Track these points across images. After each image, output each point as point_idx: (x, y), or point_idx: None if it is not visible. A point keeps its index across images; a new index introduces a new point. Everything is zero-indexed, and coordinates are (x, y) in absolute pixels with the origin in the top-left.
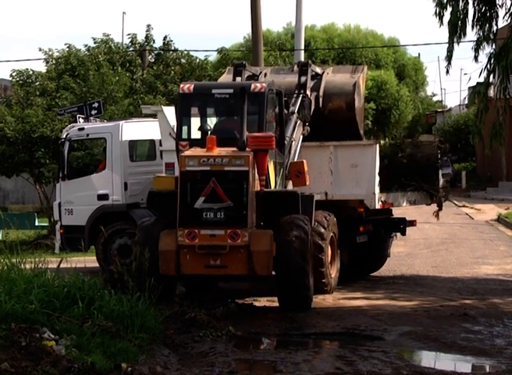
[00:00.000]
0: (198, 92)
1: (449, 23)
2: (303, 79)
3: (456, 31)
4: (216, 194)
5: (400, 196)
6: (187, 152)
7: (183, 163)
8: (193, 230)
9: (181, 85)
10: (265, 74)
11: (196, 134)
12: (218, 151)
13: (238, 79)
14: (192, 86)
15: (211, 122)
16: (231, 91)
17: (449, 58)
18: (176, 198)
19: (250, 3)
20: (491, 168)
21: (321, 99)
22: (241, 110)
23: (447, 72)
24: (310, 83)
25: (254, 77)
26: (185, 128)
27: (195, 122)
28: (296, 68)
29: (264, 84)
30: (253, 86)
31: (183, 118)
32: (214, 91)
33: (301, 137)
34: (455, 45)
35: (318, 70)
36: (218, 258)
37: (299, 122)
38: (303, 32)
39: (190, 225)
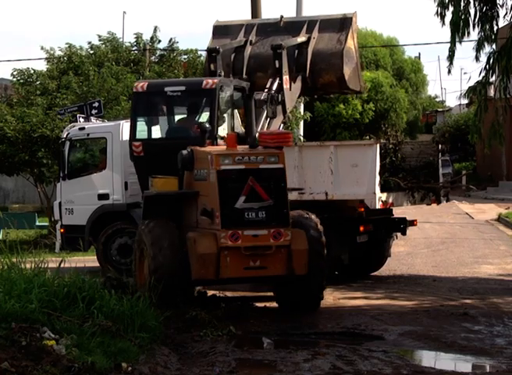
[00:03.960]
0: (151, 91)
1: (451, 22)
2: (277, 63)
3: (457, 31)
4: (256, 193)
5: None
6: (220, 150)
7: (217, 162)
8: (237, 231)
9: (135, 84)
10: (251, 42)
11: (156, 134)
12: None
13: (211, 66)
14: (145, 84)
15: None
16: (183, 88)
17: (450, 58)
18: (179, 200)
19: (251, 3)
20: (491, 167)
21: (309, 79)
22: (248, 108)
23: (449, 72)
24: (286, 67)
25: (240, 49)
26: (139, 128)
27: (144, 121)
28: (282, 24)
29: (215, 80)
30: (204, 82)
31: (136, 117)
32: (166, 89)
33: (282, 125)
34: (457, 45)
35: (303, 39)
36: (259, 259)
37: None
38: None
39: (233, 226)
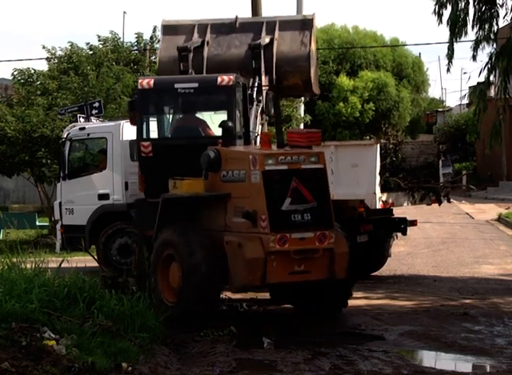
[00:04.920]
0: (159, 87)
1: (449, 21)
2: (255, 63)
3: (456, 30)
4: (301, 195)
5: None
6: (262, 151)
7: (261, 162)
8: (285, 234)
9: (139, 80)
10: (208, 42)
11: (165, 133)
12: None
13: (185, 65)
14: (151, 81)
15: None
16: (196, 85)
17: (449, 57)
18: (201, 203)
19: (251, 2)
20: (491, 168)
21: (275, 81)
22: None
23: (448, 70)
24: (263, 67)
25: (198, 50)
26: (147, 127)
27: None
28: (238, 25)
29: (231, 77)
30: (219, 79)
31: (144, 116)
32: (177, 86)
33: (261, 127)
34: (456, 44)
35: (267, 40)
36: (303, 263)
37: (259, 111)
38: None
39: (280, 229)
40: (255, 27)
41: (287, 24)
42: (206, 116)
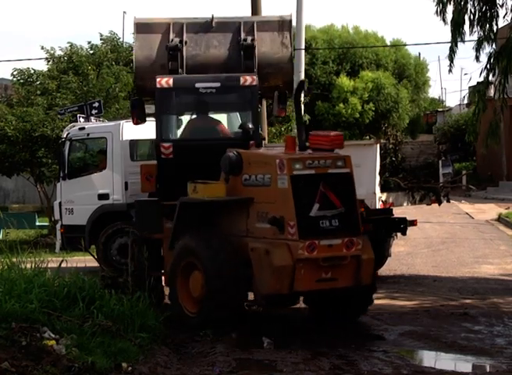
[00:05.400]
0: (179, 87)
1: (452, 21)
2: (249, 64)
3: (457, 30)
4: (329, 200)
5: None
6: (289, 154)
7: (289, 167)
8: (314, 241)
9: (157, 79)
10: (185, 42)
11: (184, 134)
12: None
13: (174, 64)
14: (171, 80)
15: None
16: (218, 84)
17: (451, 57)
18: (222, 208)
19: (251, 2)
20: (491, 168)
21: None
22: (297, 107)
23: (450, 71)
24: (256, 68)
25: (175, 50)
26: (167, 128)
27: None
28: (214, 24)
29: (254, 77)
30: (242, 79)
31: (163, 116)
32: (198, 85)
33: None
34: (458, 44)
35: (249, 41)
36: (330, 270)
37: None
38: (303, 32)
39: (309, 236)
40: (232, 27)
41: (265, 25)
42: (217, 117)
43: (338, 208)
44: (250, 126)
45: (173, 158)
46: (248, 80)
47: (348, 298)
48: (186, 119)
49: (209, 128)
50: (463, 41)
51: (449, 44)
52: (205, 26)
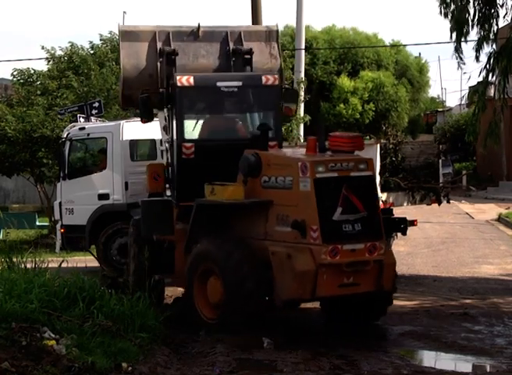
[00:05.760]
0: (200, 85)
1: (452, 19)
2: (248, 69)
3: (459, 30)
4: (351, 204)
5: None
6: (313, 157)
7: (312, 170)
8: (337, 245)
9: (178, 77)
10: (176, 52)
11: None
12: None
13: (170, 69)
14: (191, 78)
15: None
16: (240, 83)
17: (456, 50)
18: (240, 210)
19: (251, 3)
20: (491, 168)
21: None
22: (317, 106)
23: (459, 67)
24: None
25: (172, 55)
26: (188, 127)
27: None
28: (201, 33)
29: (276, 76)
30: (264, 78)
31: (184, 115)
32: (219, 84)
33: None
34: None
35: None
36: (352, 275)
37: None
38: (303, 32)
39: (332, 240)
40: (219, 37)
41: (252, 35)
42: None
43: (361, 212)
44: (270, 126)
45: (194, 159)
46: (270, 79)
47: (368, 301)
48: (204, 118)
49: (230, 128)
50: (465, 40)
51: (454, 42)
52: (191, 35)
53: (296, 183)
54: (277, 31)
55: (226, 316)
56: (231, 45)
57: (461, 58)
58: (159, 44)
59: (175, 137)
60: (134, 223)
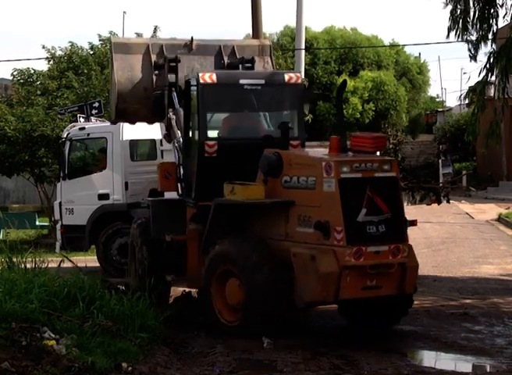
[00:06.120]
0: (223, 82)
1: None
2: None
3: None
4: (376, 205)
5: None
6: (337, 157)
7: (336, 170)
8: (361, 247)
9: (200, 74)
10: (177, 60)
11: (225, 133)
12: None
13: (172, 76)
14: (214, 75)
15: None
16: (262, 81)
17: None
18: (260, 210)
19: (251, 3)
20: (491, 168)
21: None
22: (339, 107)
23: (473, 59)
24: None
25: (174, 61)
26: (209, 125)
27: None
28: (194, 46)
29: (299, 74)
30: (287, 77)
31: (206, 113)
32: (242, 82)
33: None
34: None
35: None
36: (375, 278)
37: None
38: (303, 32)
39: (356, 242)
40: (212, 50)
41: (245, 49)
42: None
43: (385, 214)
44: (290, 125)
45: (216, 157)
46: (293, 77)
47: (389, 303)
48: (226, 115)
49: (253, 126)
50: (465, 40)
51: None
52: (185, 48)
53: (319, 183)
54: (270, 46)
55: (246, 319)
56: (225, 59)
57: (475, 54)
58: (153, 57)
59: (196, 135)
60: (141, 223)
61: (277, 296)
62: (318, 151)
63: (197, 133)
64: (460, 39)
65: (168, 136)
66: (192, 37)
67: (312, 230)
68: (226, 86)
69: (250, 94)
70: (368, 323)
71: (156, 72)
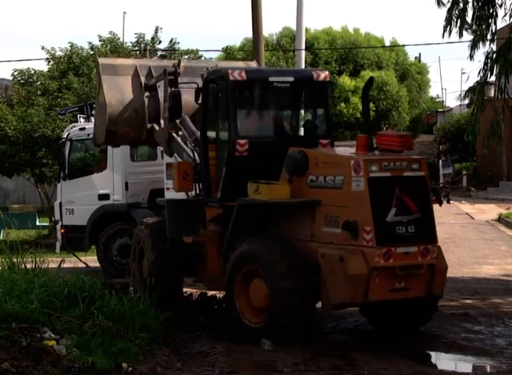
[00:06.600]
0: (253, 79)
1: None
2: None
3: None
4: (405, 205)
5: None
6: (365, 156)
7: (365, 169)
8: (390, 248)
9: (229, 71)
10: (158, 85)
11: (257, 131)
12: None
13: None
14: (243, 72)
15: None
16: (291, 79)
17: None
18: (285, 210)
19: (251, 4)
20: (491, 168)
21: None
22: (365, 105)
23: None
24: None
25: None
26: (242, 123)
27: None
28: (182, 68)
29: (326, 72)
30: (315, 74)
31: (237, 111)
32: (272, 79)
33: None
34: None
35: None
36: (404, 280)
37: None
38: (303, 33)
39: (386, 243)
40: (199, 72)
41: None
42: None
43: (414, 214)
44: (315, 123)
45: (246, 156)
46: (321, 75)
47: (415, 306)
48: (257, 114)
49: (281, 125)
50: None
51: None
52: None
53: (347, 182)
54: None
55: (273, 321)
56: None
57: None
58: (143, 79)
59: (223, 133)
60: (153, 225)
61: (305, 300)
62: (344, 149)
63: (225, 131)
64: (459, 38)
65: (170, 149)
66: (179, 60)
67: (340, 230)
68: (256, 83)
69: (279, 91)
70: (393, 325)
71: (147, 93)
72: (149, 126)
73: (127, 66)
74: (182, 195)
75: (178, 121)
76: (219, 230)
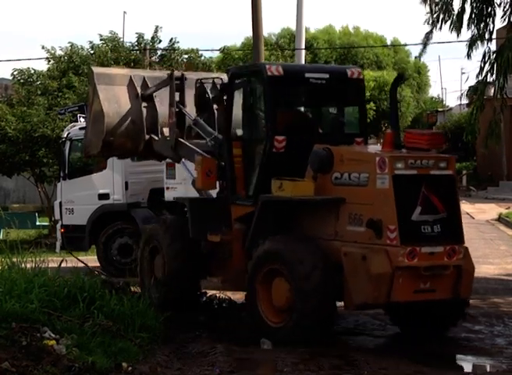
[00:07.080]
0: (290, 75)
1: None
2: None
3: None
4: (431, 204)
5: None
6: (391, 153)
7: (390, 166)
8: (415, 247)
9: (266, 66)
10: (155, 96)
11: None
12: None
13: (176, 94)
14: (280, 67)
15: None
16: (327, 75)
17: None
18: (309, 208)
19: (251, 4)
20: (491, 167)
21: None
22: (393, 102)
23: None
24: None
25: (149, 104)
26: (278, 119)
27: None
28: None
29: (359, 70)
30: (349, 72)
31: (274, 107)
32: (308, 75)
33: None
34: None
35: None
36: (429, 281)
37: None
38: (303, 32)
39: (410, 242)
40: (192, 83)
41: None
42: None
43: (440, 213)
44: (343, 121)
45: (283, 153)
46: (355, 72)
47: (441, 308)
48: (292, 110)
49: (316, 122)
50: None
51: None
52: (166, 82)
53: (372, 179)
54: None
55: (296, 322)
56: (209, 92)
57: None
58: (139, 90)
59: (256, 130)
60: (171, 223)
61: (327, 301)
62: (370, 147)
63: (259, 128)
64: (457, 37)
65: (177, 155)
66: (172, 70)
67: (364, 228)
68: (292, 79)
69: (315, 88)
70: (418, 327)
71: (144, 104)
72: (147, 137)
73: (122, 75)
74: (189, 193)
75: (192, 123)
76: (245, 228)
